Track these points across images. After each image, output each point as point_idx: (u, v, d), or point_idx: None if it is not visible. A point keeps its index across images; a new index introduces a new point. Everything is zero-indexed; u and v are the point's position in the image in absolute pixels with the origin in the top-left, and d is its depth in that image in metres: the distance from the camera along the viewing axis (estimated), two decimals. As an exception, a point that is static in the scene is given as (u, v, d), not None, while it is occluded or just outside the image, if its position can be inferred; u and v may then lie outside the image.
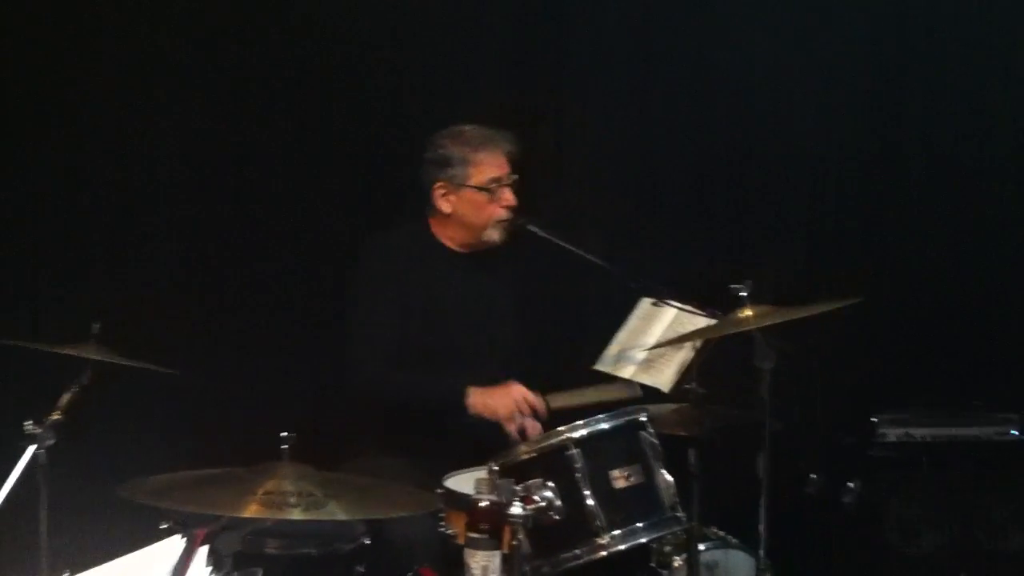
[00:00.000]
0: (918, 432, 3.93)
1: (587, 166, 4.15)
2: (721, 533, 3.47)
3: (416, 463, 3.23)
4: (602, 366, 3.59)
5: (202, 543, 1.51)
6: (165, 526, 2.62)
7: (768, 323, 2.88)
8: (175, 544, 1.51)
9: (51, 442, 2.63)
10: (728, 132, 4.22)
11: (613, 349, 3.56)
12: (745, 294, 2.95)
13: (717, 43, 4.18)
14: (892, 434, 3.94)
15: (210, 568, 1.46)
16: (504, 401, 3.24)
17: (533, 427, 3.31)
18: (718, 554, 3.39)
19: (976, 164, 4.30)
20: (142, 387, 3.54)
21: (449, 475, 3.02)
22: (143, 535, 2.66)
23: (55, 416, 2.66)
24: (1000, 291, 4.31)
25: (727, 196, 4.25)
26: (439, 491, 2.93)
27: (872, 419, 3.94)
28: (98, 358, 2.76)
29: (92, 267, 3.83)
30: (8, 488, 2.51)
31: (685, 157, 4.20)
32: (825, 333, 4.16)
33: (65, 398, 2.70)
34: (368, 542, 2.79)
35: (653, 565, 3.35)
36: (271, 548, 2.66)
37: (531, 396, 3.26)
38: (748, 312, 2.93)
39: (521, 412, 3.24)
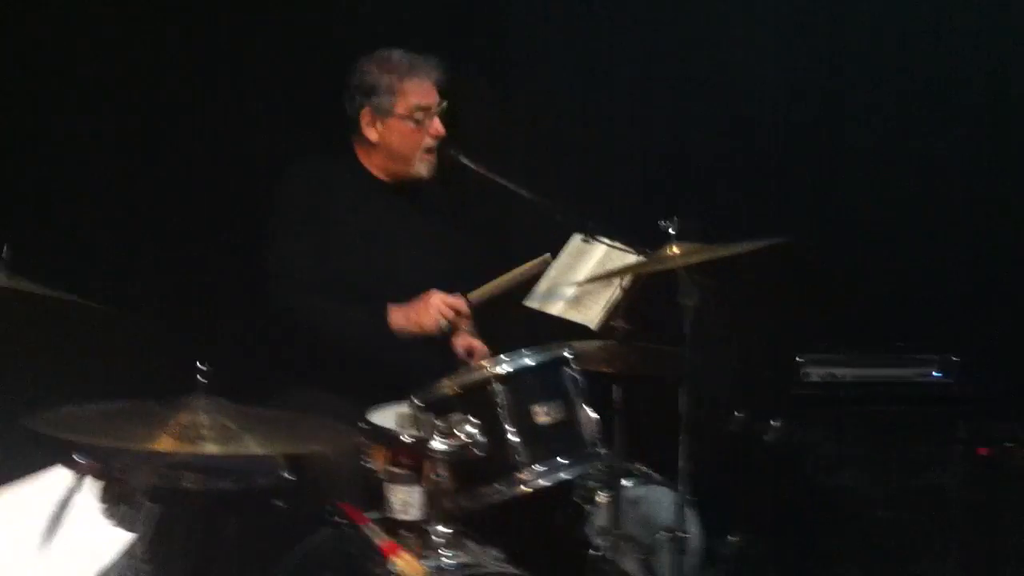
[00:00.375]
0: (841, 372, 3.96)
1: (519, 98, 4.08)
2: (645, 469, 3.48)
3: (342, 396, 3.18)
4: (531, 302, 3.56)
5: (91, 476, 1.44)
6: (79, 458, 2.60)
7: (694, 261, 2.86)
8: (62, 476, 1.45)
9: (-44, 371, 2.54)
10: (666, 69, 4.19)
11: (543, 285, 3.53)
12: (672, 232, 2.92)
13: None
14: (815, 374, 3.96)
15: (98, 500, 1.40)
16: (425, 311, 3.20)
17: (480, 348, 3.32)
18: (642, 490, 3.40)
19: (907, 102, 4.31)
20: (55, 316, 3.48)
21: (373, 408, 2.98)
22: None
23: (-38, 344, 2.57)
24: (927, 234, 4.33)
25: (661, 134, 4.21)
26: (362, 425, 2.90)
27: (797, 359, 3.95)
28: (8, 285, 2.65)
29: (5, 191, 3.71)
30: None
31: (622, 92, 4.16)
32: (752, 273, 4.22)
33: (-30, 326, 2.60)
34: (288, 476, 2.74)
35: (577, 501, 3.38)
36: (188, 483, 2.60)
37: (450, 298, 3.22)
38: (674, 250, 2.91)
39: (444, 316, 3.19)
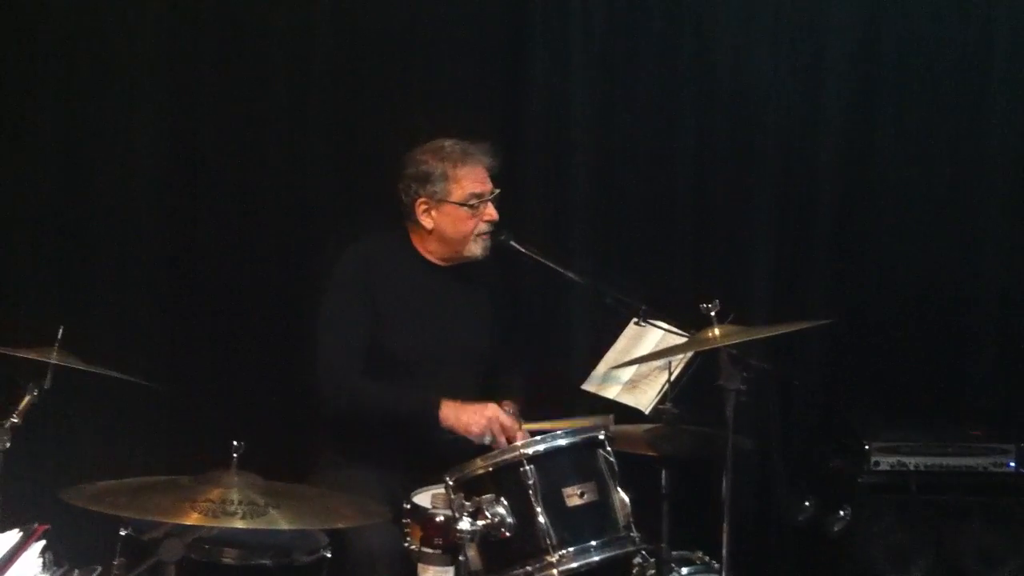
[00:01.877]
0: (911, 460, 3.85)
1: (564, 185, 4.11)
2: (705, 557, 3.43)
3: (385, 476, 3.22)
4: (589, 386, 3.57)
5: (38, 539, 1.50)
6: (124, 532, 2.68)
7: (733, 342, 2.83)
8: (10, 537, 1.50)
9: (7, 444, 2.65)
10: (703, 152, 4.17)
11: (600, 369, 3.54)
12: (713, 313, 2.91)
13: (686, 69, 4.16)
14: (885, 462, 3.86)
15: (41, 563, 1.45)
16: (477, 419, 3.19)
17: (523, 438, 3.23)
18: (700, 579, 3.36)
19: (965, 178, 4.21)
20: (103, 394, 3.59)
21: (419, 490, 3.00)
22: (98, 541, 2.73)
23: (13, 419, 2.68)
24: (1004, 322, 4.22)
25: (710, 215, 4.20)
26: (406, 505, 2.92)
27: (866, 446, 3.86)
28: (60, 363, 2.77)
29: (59, 275, 3.86)
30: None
31: (661, 178, 4.17)
32: (817, 352, 4.16)
33: (24, 401, 2.72)
34: (328, 555, 2.77)
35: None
36: (227, 558, 2.66)
37: (505, 418, 3.21)
38: (715, 332, 2.89)
39: (493, 433, 3.19)
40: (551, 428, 3.22)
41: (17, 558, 1.43)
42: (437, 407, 3.21)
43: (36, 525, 1.53)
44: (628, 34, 4.13)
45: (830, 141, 4.18)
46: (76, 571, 1.63)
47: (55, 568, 1.50)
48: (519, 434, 3.20)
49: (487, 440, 3.19)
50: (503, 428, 3.20)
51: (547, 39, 4.08)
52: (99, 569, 1.78)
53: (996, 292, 4.21)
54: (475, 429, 3.19)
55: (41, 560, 1.45)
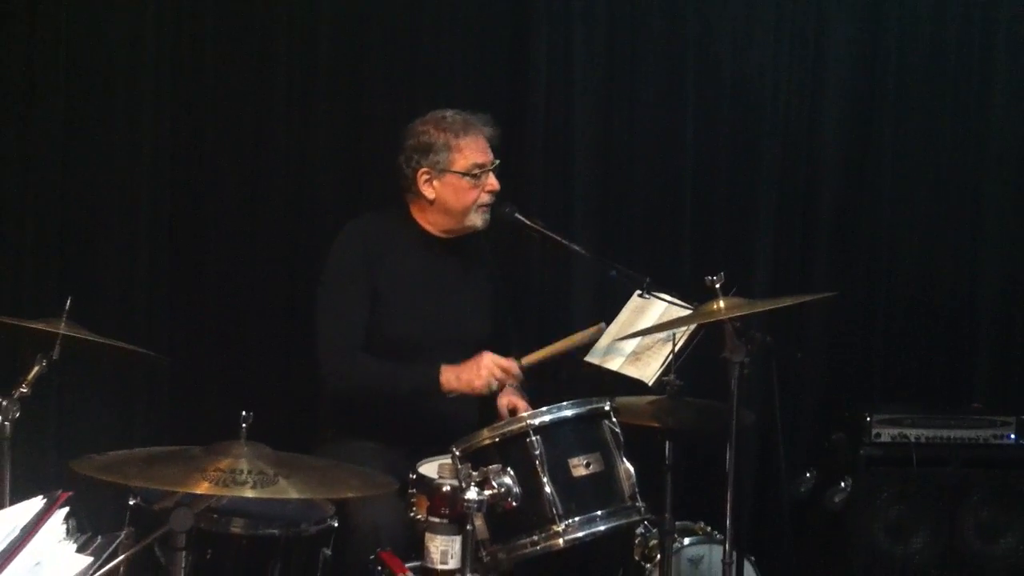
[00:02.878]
0: (912, 433, 3.88)
1: (568, 155, 4.11)
2: (707, 528, 3.46)
3: (391, 448, 3.24)
4: (592, 358, 3.58)
5: (61, 506, 1.51)
6: (133, 502, 2.69)
7: (737, 315, 2.84)
8: (34, 504, 1.51)
9: (16, 414, 2.65)
10: (706, 128, 4.20)
11: (603, 341, 3.54)
12: (718, 286, 2.92)
13: (697, 41, 4.17)
14: (886, 434, 3.89)
15: (65, 529, 1.46)
16: (477, 372, 3.20)
17: (524, 406, 3.31)
18: (703, 548, 3.39)
19: (967, 156, 4.27)
20: (111, 365, 3.61)
21: (425, 460, 3.01)
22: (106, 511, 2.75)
23: (22, 390, 2.69)
24: (1007, 295, 4.27)
25: (713, 187, 4.22)
26: (412, 476, 2.93)
27: (867, 418, 3.89)
28: (68, 333, 2.78)
29: (66, 247, 3.85)
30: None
31: (664, 154, 4.19)
32: (819, 329, 4.19)
33: (33, 372, 2.72)
34: (335, 524, 2.78)
35: (637, 559, 3.36)
36: (236, 528, 2.66)
37: (503, 360, 3.22)
38: (720, 304, 2.90)
39: (496, 379, 3.21)
40: (547, 355, 3.30)
41: (42, 524, 1.43)
42: (437, 377, 3.22)
43: (59, 492, 1.54)
44: (632, 8, 4.14)
45: (833, 118, 4.21)
46: (99, 537, 1.64)
47: (78, 535, 1.51)
48: (515, 366, 3.23)
49: (494, 387, 3.22)
50: (503, 369, 3.22)
51: (551, 14, 4.07)
52: (123, 533, 1.79)
53: (997, 268, 4.26)
54: (478, 383, 3.20)
55: (65, 526, 1.46)
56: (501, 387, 3.26)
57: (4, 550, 1.37)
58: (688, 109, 4.16)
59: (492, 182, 3.39)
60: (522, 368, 3.26)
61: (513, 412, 3.27)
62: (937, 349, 4.24)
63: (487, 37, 4.08)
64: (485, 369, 3.20)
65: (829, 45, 4.21)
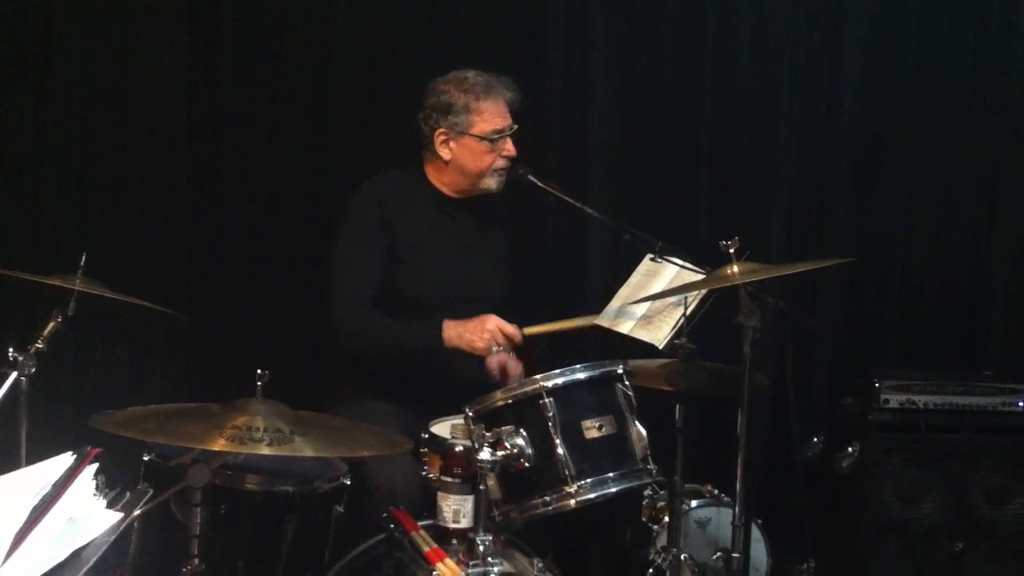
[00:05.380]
0: (921, 399, 3.89)
1: (584, 122, 4.10)
2: (715, 491, 3.47)
3: (404, 408, 3.25)
4: (603, 320, 3.58)
5: (91, 463, 1.53)
6: (148, 458, 2.72)
7: (752, 279, 2.84)
8: (64, 460, 1.53)
9: (32, 370, 2.67)
10: (724, 93, 4.19)
11: (614, 304, 3.54)
12: (733, 251, 2.91)
13: (710, 10, 4.15)
14: (895, 400, 3.90)
15: (95, 485, 1.48)
16: (480, 333, 3.21)
17: (515, 366, 3.31)
18: (710, 511, 3.41)
19: (984, 123, 4.25)
20: (128, 322, 3.63)
21: (437, 420, 3.03)
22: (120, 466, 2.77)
23: (38, 345, 2.70)
24: (1018, 262, 4.26)
25: (727, 152, 4.22)
26: (424, 435, 2.95)
27: (876, 384, 3.89)
28: (84, 289, 2.79)
29: (82, 203, 3.85)
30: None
31: (681, 119, 4.18)
32: (831, 296, 4.19)
33: (48, 327, 2.74)
34: (348, 482, 2.80)
35: (644, 520, 3.38)
36: (250, 484, 2.69)
37: (507, 326, 3.23)
38: (734, 269, 2.89)
39: (497, 343, 3.21)
40: (550, 331, 3.33)
41: (73, 480, 1.46)
42: (440, 332, 3.22)
43: (89, 448, 1.56)
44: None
45: (852, 84, 4.19)
46: (128, 493, 1.66)
47: (107, 491, 1.53)
48: (519, 334, 3.24)
49: (494, 351, 3.22)
50: (507, 336, 3.22)
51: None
52: (151, 493, 1.81)
53: (1013, 236, 4.25)
54: (479, 344, 3.21)
55: (95, 482, 1.48)
56: (501, 351, 3.25)
57: (37, 505, 1.40)
58: (706, 72, 4.15)
59: (509, 147, 3.38)
60: (524, 337, 3.27)
61: (503, 371, 3.28)
62: (952, 317, 4.24)
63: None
64: (488, 332, 3.21)
65: (849, 8, 4.18)
